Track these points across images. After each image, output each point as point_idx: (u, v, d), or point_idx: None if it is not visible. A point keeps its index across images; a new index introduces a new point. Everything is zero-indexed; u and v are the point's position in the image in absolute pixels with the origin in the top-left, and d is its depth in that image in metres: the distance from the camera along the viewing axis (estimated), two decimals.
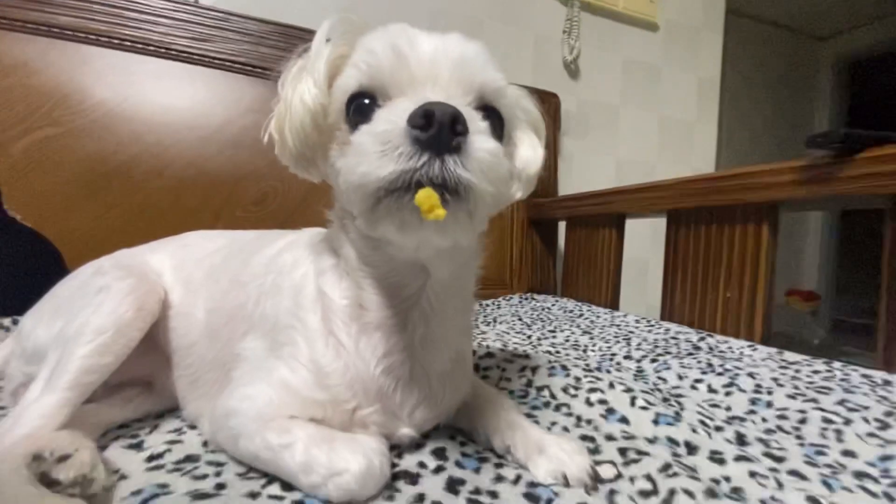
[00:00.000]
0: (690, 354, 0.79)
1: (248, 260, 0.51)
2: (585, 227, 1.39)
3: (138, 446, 0.45)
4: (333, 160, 0.39)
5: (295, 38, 1.47)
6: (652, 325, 1.02)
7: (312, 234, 0.51)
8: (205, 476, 0.39)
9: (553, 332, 1.01)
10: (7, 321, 0.69)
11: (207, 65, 1.43)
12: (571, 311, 1.21)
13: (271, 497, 0.36)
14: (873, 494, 0.40)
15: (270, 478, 0.39)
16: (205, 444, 0.45)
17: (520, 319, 1.15)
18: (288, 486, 0.37)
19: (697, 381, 0.67)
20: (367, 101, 0.37)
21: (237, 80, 1.44)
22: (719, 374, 0.68)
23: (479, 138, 0.33)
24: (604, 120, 1.88)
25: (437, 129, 0.31)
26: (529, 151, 0.44)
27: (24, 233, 0.85)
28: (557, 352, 0.86)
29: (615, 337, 0.94)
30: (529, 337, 0.97)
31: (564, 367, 0.65)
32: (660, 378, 0.70)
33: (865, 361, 0.76)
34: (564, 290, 1.53)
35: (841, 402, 0.56)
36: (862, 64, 3.60)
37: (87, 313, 0.45)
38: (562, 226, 1.59)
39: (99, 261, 0.55)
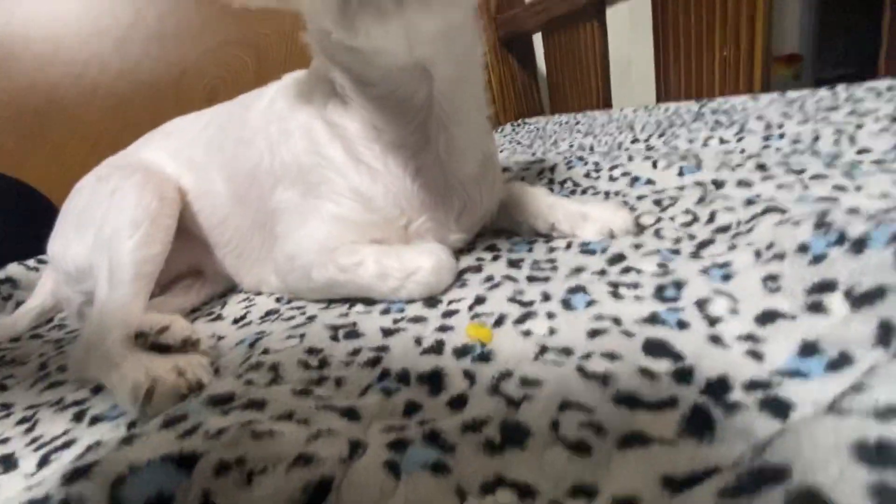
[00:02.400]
0: (696, 120, 0.79)
1: (243, 119, 0.48)
2: (563, 31, 1.29)
3: (219, 318, 0.48)
4: None
5: None
6: (651, 110, 1.01)
7: (297, 76, 0.47)
8: (292, 317, 0.42)
9: (555, 143, 1.00)
10: (31, 262, 0.70)
11: None
12: (567, 123, 1.19)
13: (360, 312, 0.39)
14: (892, 172, 0.43)
15: (351, 302, 0.42)
16: (278, 300, 0.48)
17: (518, 144, 1.14)
18: (371, 303, 0.40)
19: (708, 139, 0.68)
20: None
21: None
22: (727, 126, 0.69)
23: None
24: None
25: None
26: None
27: (11, 183, 0.81)
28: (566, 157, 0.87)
29: (618, 129, 0.93)
30: (534, 154, 0.96)
31: (581, 158, 0.65)
32: (671, 147, 0.72)
33: None
34: (553, 108, 1.48)
35: (851, 113, 0.58)
36: None
37: (114, 214, 0.44)
38: (537, 41, 1.47)
39: (93, 172, 0.52)
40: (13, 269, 0.68)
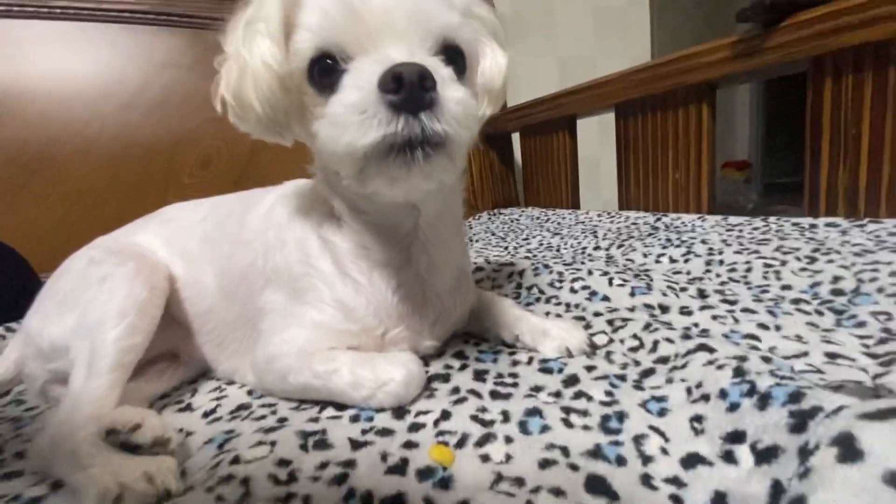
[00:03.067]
0: (651, 235, 0.88)
1: (243, 220, 0.52)
2: (539, 135, 1.43)
3: (188, 408, 0.49)
4: (310, 126, 0.39)
5: None
6: (613, 217, 1.11)
7: (297, 187, 0.52)
8: (263, 416, 0.44)
9: (526, 239, 1.08)
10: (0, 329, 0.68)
11: (101, 19, 1.27)
12: (538, 218, 1.29)
13: (330, 418, 0.41)
14: (807, 313, 0.50)
15: (323, 405, 0.44)
16: (250, 392, 0.49)
17: (493, 234, 1.21)
18: (341, 407, 0.43)
19: (660, 255, 0.76)
20: (329, 61, 0.37)
21: (143, 34, 1.30)
22: (677, 246, 0.77)
23: (448, 89, 0.34)
24: (540, 18, 1.84)
25: (409, 91, 0.33)
26: (492, 63, 0.45)
27: None
28: (535, 256, 0.94)
29: (582, 233, 1.02)
30: (506, 248, 1.04)
31: (547, 266, 0.72)
32: (628, 260, 0.79)
33: (795, 216, 0.87)
34: (527, 200, 1.59)
35: (777, 249, 0.67)
36: None
37: (102, 301, 0.46)
38: (515, 138, 1.61)
39: (85, 252, 0.54)
40: None
